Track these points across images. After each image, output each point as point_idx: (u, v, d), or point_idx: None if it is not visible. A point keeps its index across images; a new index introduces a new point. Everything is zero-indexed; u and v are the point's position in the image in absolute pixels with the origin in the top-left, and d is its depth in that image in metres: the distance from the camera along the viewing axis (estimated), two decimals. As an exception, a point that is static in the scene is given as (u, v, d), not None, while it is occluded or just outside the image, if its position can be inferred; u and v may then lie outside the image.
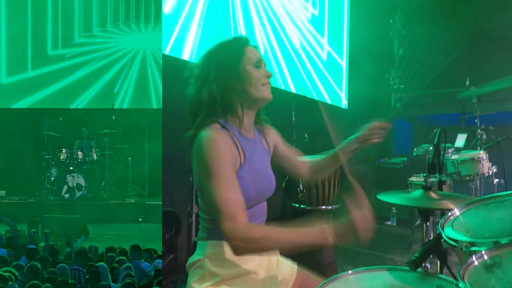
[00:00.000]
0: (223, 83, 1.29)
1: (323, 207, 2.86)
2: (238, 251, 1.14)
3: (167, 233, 2.93)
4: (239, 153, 1.27)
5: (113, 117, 4.88)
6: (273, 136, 1.53)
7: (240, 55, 1.32)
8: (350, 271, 1.20)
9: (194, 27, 3.13)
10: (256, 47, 1.40)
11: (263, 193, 1.36)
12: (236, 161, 1.24)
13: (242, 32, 3.61)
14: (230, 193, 1.17)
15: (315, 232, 1.15)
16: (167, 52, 2.96)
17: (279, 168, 1.57)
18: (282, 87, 4.30)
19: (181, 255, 3.04)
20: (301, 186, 2.81)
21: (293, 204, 2.93)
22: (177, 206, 3.07)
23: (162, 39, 2.97)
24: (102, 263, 2.67)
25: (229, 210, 1.14)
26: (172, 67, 2.92)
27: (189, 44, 3.10)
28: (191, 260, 1.34)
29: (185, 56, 3.09)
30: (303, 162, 1.63)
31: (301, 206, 2.86)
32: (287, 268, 1.48)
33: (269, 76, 1.34)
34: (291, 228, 1.15)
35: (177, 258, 2.97)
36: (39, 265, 2.50)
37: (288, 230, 1.15)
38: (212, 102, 1.30)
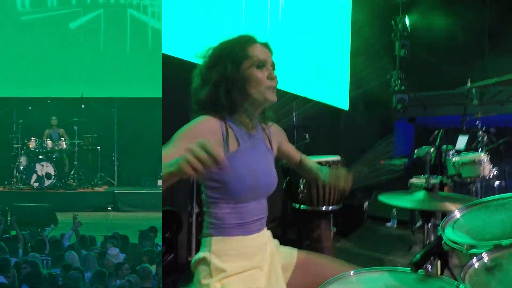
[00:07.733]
0: (225, 85, 1.28)
1: (324, 207, 2.86)
2: None
3: (167, 232, 2.93)
4: (227, 140, 1.27)
5: (83, 105, 4.86)
6: (278, 135, 1.54)
7: (242, 56, 1.28)
8: (351, 272, 1.20)
9: (195, 26, 3.13)
10: (264, 44, 1.35)
11: (259, 189, 1.35)
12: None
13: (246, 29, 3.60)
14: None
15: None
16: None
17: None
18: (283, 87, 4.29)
19: (181, 255, 3.04)
20: (301, 186, 2.82)
21: (294, 204, 2.93)
22: (177, 205, 3.07)
23: (162, 38, 2.97)
24: (71, 251, 2.59)
25: None
26: (171, 67, 2.92)
27: (189, 44, 3.09)
28: (196, 257, 1.34)
29: (185, 56, 3.08)
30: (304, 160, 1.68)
31: (302, 206, 2.86)
32: (287, 254, 1.49)
33: (273, 79, 1.30)
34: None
35: (177, 258, 2.97)
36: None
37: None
38: (213, 103, 1.29)
